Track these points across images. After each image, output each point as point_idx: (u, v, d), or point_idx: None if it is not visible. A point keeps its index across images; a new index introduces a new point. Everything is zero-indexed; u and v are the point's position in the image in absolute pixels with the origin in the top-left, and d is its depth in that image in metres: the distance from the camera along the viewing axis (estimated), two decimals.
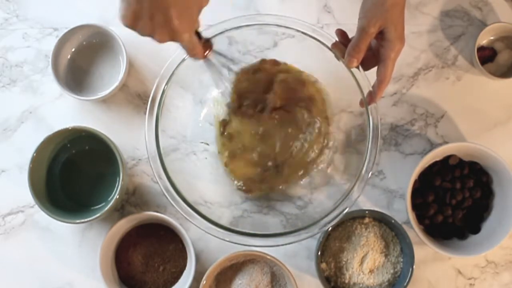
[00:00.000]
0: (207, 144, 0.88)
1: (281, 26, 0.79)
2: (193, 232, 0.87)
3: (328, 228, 0.81)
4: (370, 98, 0.76)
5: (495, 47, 0.93)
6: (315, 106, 0.85)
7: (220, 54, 0.76)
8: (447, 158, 0.88)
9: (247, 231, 0.78)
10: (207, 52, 0.72)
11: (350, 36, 0.74)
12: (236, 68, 0.84)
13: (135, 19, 0.59)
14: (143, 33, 0.61)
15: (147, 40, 0.92)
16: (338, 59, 0.76)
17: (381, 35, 0.70)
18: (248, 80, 0.85)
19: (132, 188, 0.90)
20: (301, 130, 0.85)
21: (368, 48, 0.71)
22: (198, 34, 0.68)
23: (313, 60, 0.83)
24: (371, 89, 0.75)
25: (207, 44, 0.71)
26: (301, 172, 0.86)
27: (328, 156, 0.87)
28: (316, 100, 0.86)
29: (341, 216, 0.78)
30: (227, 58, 0.78)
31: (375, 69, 0.74)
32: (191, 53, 0.68)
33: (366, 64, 0.74)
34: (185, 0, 0.59)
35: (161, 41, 0.62)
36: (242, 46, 0.89)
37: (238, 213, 0.88)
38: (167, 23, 0.59)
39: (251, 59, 0.88)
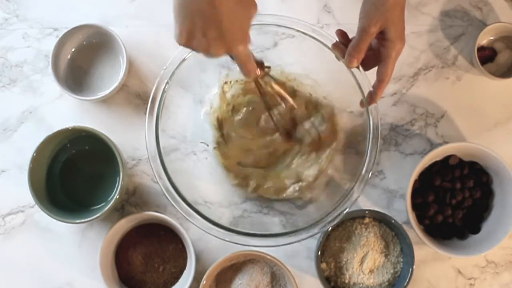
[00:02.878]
0: (207, 145, 0.88)
1: (281, 26, 0.79)
2: (193, 232, 0.87)
3: (328, 228, 0.81)
4: (370, 98, 0.76)
5: (495, 47, 0.93)
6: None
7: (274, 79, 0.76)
8: (447, 158, 0.88)
9: (247, 231, 0.78)
10: (259, 72, 0.71)
11: (350, 36, 0.74)
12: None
13: (189, 38, 0.60)
14: (198, 50, 0.62)
15: (147, 40, 0.93)
16: (338, 59, 0.76)
17: (381, 35, 0.70)
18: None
19: (132, 188, 0.90)
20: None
21: (368, 48, 0.71)
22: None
23: (313, 60, 0.83)
24: (371, 89, 0.75)
25: (260, 65, 0.71)
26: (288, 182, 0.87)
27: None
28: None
29: (341, 216, 0.78)
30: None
31: (375, 69, 0.74)
32: (246, 68, 0.68)
33: (366, 64, 0.74)
34: (236, 12, 0.60)
35: (217, 55, 0.62)
36: None
37: (238, 213, 0.88)
38: (220, 36, 0.60)
39: None
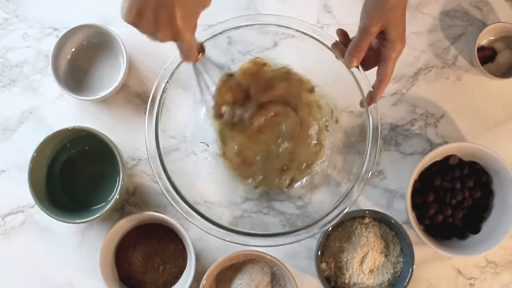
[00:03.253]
0: (207, 146, 0.88)
1: (281, 26, 0.79)
2: (193, 232, 0.87)
3: (328, 228, 0.81)
4: (370, 98, 0.76)
5: (495, 47, 0.93)
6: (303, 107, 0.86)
7: (210, 60, 0.75)
8: (447, 158, 0.88)
9: (247, 231, 0.78)
10: (199, 56, 0.71)
11: (350, 36, 0.74)
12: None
13: (138, 16, 0.59)
14: (145, 31, 0.61)
15: (147, 40, 0.92)
16: (338, 58, 0.76)
17: (382, 35, 0.70)
18: (228, 90, 0.84)
19: (132, 188, 0.90)
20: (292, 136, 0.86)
21: (368, 48, 0.71)
22: None
23: (313, 60, 0.83)
24: (371, 89, 0.75)
25: (200, 48, 0.71)
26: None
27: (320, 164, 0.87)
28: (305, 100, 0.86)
29: (341, 216, 0.78)
30: (216, 65, 0.77)
31: (375, 69, 0.74)
32: (187, 55, 0.68)
33: (366, 64, 0.74)
34: (190, 1, 0.59)
35: (162, 40, 0.61)
36: (242, 46, 0.89)
37: (238, 213, 0.88)
38: (171, 21, 0.59)
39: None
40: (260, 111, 0.85)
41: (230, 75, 0.83)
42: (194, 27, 0.63)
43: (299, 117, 0.86)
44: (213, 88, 0.82)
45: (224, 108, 0.86)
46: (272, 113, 0.86)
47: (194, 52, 0.68)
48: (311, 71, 0.87)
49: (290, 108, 0.86)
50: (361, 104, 0.78)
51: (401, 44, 0.71)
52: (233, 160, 0.87)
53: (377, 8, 0.68)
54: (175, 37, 0.61)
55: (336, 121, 0.86)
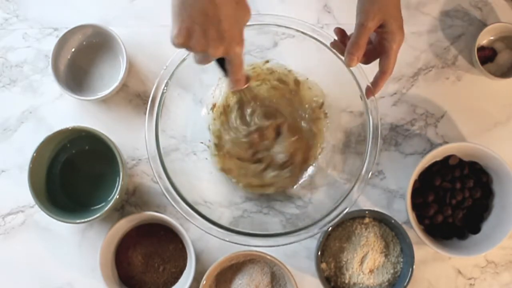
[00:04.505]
0: (208, 147, 0.88)
1: (281, 26, 0.80)
2: (193, 232, 0.87)
3: (328, 228, 0.81)
4: (369, 92, 0.76)
5: (495, 47, 0.93)
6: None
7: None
8: (447, 158, 0.88)
9: (247, 231, 0.78)
10: (246, 85, 0.71)
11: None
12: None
13: (188, 36, 0.60)
14: (196, 49, 0.61)
15: (147, 40, 0.93)
16: (338, 58, 0.76)
17: (381, 29, 0.70)
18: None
19: (132, 188, 0.90)
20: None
21: (368, 42, 0.71)
22: None
23: (313, 60, 0.83)
24: (369, 83, 0.75)
25: (247, 78, 0.71)
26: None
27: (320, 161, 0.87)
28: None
29: (341, 216, 0.78)
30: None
31: (375, 69, 0.74)
32: (236, 76, 0.67)
33: (367, 58, 0.74)
34: (234, 14, 0.60)
35: (214, 55, 0.62)
36: None
37: (238, 213, 0.88)
38: (220, 35, 0.60)
39: (251, 59, 0.88)
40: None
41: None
42: (242, 40, 0.63)
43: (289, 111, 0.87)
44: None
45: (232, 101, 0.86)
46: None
47: (242, 74, 0.68)
48: (311, 71, 0.87)
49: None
50: (368, 93, 0.77)
51: (401, 34, 0.71)
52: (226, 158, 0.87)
53: (372, 3, 0.68)
54: (227, 50, 0.62)
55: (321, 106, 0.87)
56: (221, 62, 0.67)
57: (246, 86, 0.71)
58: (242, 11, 0.61)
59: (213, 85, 0.88)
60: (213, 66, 0.69)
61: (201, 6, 0.58)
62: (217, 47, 0.61)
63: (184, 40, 0.60)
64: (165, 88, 0.79)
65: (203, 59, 0.63)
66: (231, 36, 0.60)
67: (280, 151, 0.85)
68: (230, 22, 0.59)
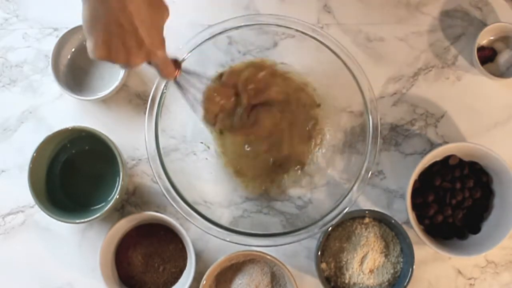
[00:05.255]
0: (208, 148, 0.88)
1: (281, 26, 0.80)
2: (193, 232, 0.87)
3: (328, 228, 0.81)
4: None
5: (495, 47, 0.93)
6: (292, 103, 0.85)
7: (189, 73, 0.74)
8: (447, 158, 0.88)
9: (247, 231, 0.78)
10: (177, 72, 0.70)
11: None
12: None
13: (107, 49, 0.59)
14: (118, 61, 0.61)
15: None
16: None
17: None
18: (215, 94, 0.83)
19: (132, 188, 0.90)
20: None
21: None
22: None
23: (313, 60, 0.84)
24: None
25: (176, 64, 0.70)
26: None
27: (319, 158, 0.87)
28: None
29: (341, 216, 0.78)
30: (196, 75, 0.76)
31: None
32: (165, 72, 0.67)
33: None
34: (150, 18, 0.59)
35: (137, 63, 0.62)
36: (242, 46, 0.89)
37: (238, 213, 0.88)
38: (139, 43, 0.60)
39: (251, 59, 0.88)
40: (253, 111, 0.85)
41: (219, 77, 0.83)
42: (162, 42, 0.63)
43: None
44: (200, 97, 0.80)
45: (218, 115, 0.85)
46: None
47: (171, 68, 0.68)
48: (311, 71, 0.87)
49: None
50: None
51: None
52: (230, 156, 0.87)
53: None
54: (148, 56, 0.62)
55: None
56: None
57: (178, 73, 0.70)
58: (157, 11, 0.61)
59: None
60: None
61: (114, 17, 0.57)
62: (137, 55, 0.61)
63: (104, 53, 0.60)
64: (165, 88, 0.79)
65: (126, 66, 0.63)
66: (150, 41, 0.60)
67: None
68: (146, 28, 0.59)
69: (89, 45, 0.60)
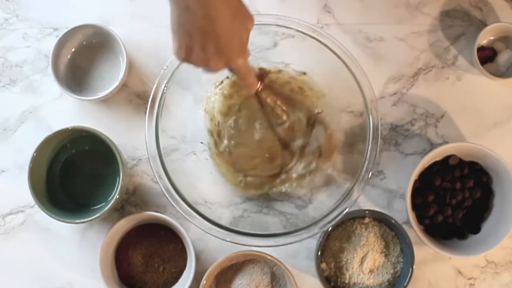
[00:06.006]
0: (209, 148, 0.88)
1: (281, 26, 0.80)
2: (193, 232, 0.87)
3: (328, 228, 0.81)
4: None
5: (495, 47, 0.93)
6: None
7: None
8: (447, 158, 0.88)
9: (247, 231, 0.78)
10: (259, 84, 0.71)
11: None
12: None
13: (188, 53, 0.61)
14: (197, 65, 0.62)
15: (147, 40, 0.93)
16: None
17: None
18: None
19: (132, 188, 0.90)
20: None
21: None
22: None
23: (313, 60, 0.84)
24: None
25: (260, 77, 0.71)
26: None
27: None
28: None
29: (341, 216, 0.78)
30: None
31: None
32: (245, 82, 0.68)
33: None
34: (233, 27, 0.60)
35: (216, 69, 0.63)
36: None
37: (238, 213, 0.88)
38: (219, 51, 0.60)
39: (251, 59, 0.88)
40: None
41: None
42: (244, 51, 0.64)
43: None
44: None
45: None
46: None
47: (252, 80, 0.68)
48: (311, 71, 0.87)
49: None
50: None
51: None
52: (225, 156, 0.86)
53: None
54: (227, 63, 0.63)
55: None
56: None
57: (260, 87, 0.71)
58: (242, 21, 0.61)
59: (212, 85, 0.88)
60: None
61: (197, 23, 0.58)
62: (217, 61, 0.61)
63: (185, 56, 0.61)
64: (165, 88, 0.79)
65: (208, 71, 0.64)
66: (230, 49, 0.61)
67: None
68: (228, 35, 0.60)
69: (173, 46, 0.62)
